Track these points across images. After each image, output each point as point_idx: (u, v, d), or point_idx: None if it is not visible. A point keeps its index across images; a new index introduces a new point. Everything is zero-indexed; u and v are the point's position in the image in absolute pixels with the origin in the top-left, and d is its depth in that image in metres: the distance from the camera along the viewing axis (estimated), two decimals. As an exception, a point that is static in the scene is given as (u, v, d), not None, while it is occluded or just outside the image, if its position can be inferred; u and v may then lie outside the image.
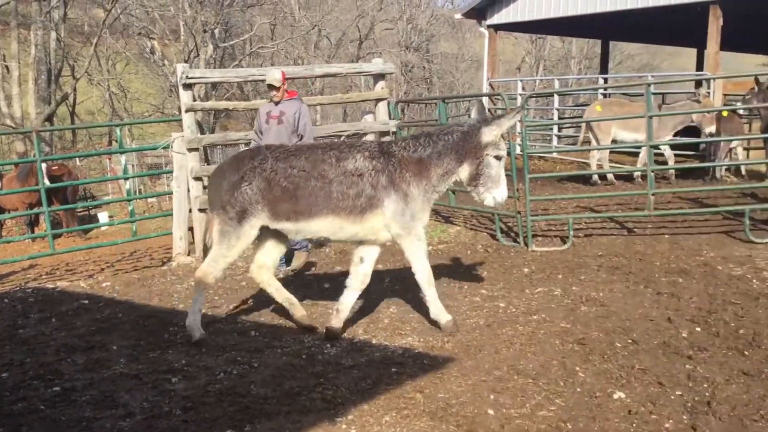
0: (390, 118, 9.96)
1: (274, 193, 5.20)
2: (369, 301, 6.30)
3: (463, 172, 5.30)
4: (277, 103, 7.44)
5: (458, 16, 20.66)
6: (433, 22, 37.44)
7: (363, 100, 10.54)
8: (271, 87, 7.42)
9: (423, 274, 5.41)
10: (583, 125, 12.68)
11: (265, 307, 6.29)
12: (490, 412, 4.00)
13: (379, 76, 9.88)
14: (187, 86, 8.56)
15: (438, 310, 5.42)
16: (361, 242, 5.42)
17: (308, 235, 5.43)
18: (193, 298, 5.58)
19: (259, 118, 7.59)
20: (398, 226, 5.23)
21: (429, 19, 37.14)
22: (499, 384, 4.37)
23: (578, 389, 4.26)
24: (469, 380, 4.44)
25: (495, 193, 5.30)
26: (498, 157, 5.26)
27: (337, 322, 5.40)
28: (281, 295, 5.76)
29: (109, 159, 20.50)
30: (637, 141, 11.05)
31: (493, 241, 8.50)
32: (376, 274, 7.18)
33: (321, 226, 5.25)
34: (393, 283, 6.91)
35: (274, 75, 7.43)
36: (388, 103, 10.05)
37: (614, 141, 12.07)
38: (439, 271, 7.21)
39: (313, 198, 5.16)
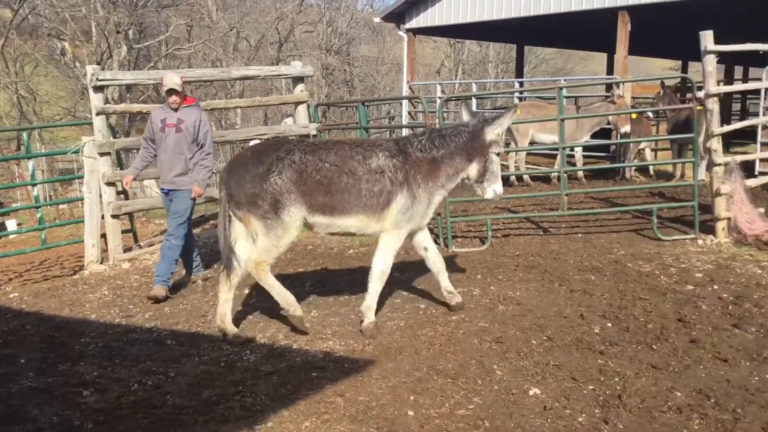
0: (310, 121, 9.91)
1: (309, 185, 5.23)
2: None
3: (472, 169, 5.60)
4: (175, 110, 6.92)
5: (377, 19, 20.76)
6: (353, 25, 37.48)
7: (283, 103, 10.43)
8: (171, 92, 6.84)
9: (382, 268, 5.51)
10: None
11: (182, 315, 6.15)
12: (410, 413, 4.03)
13: (299, 79, 9.82)
14: (98, 89, 8.28)
15: (369, 307, 5.48)
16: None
17: (336, 230, 5.49)
18: (269, 285, 5.45)
19: (151, 126, 6.98)
20: (393, 223, 5.37)
21: (349, 22, 37.15)
22: (419, 385, 4.40)
23: (495, 387, 4.34)
24: (390, 382, 4.46)
25: (495, 187, 5.65)
26: (498, 154, 5.60)
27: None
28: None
29: (17, 164, 19.63)
30: (555, 143, 11.35)
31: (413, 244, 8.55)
32: (297, 278, 7.15)
33: (351, 222, 5.39)
34: (314, 287, 6.87)
35: (173, 79, 6.88)
36: (308, 106, 10.00)
37: (532, 143, 12.39)
38: (360, 275, 7.22)
39: (346, 194, 5.27)
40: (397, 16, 18.67)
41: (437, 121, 9.45)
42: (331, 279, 7.12)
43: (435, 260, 5.91)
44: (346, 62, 36.78)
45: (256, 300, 6.46)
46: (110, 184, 8.29)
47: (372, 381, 4.49)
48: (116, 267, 8.16)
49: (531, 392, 4.24)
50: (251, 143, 7.97)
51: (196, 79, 10.40)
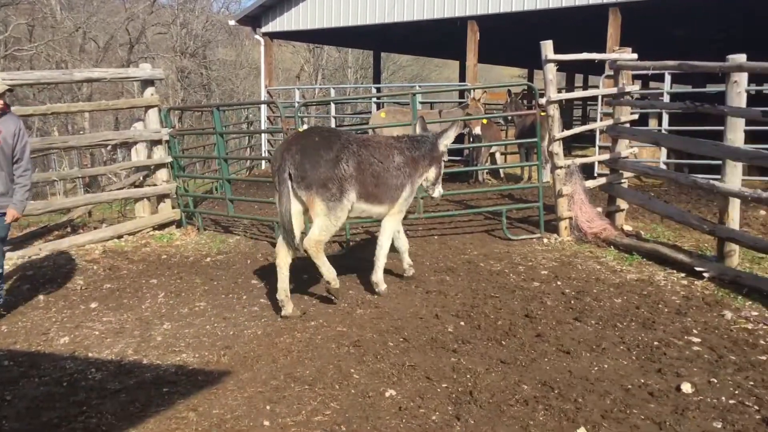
0: (162, 126, 9.55)
1: (364, 174, 5.89)
2: (140, 318, 5.98)
3: (432, 172, 6.58)
4: None
5: (232, 22, 20.39)
6: (209, 27, 36.60)
7: (131, 107, 10.01)
8: None
9: (386, 246, 6.45)
10: (370, 132, 13.09)
11: (21, 334, 5.72)
12: (266, 423, 3.96)
13: (148, 82, 9.44)
14: None
15: (379, 279, 6.45)
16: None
17: (366, 215, 6.39)
18: (320, 263, 5.91)
19: None
20: (398, 209, 6.37)
21: (205, 24, 36.25)
22: (275, 394, 4.33)
23: (353, 391, 4.35)
24: (246, 393, 4.36)
25: (440, 188, 6.74)
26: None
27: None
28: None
29: None
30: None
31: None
32: (150, 289, 6.86)
33: (380, 210, 6.24)
34: (168, 297, 6.61)
35: None
36: (159, 111, 9.63)
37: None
38: (217, 283, 7.05)
39: (383, 186, 6.06)
40: (252, 20, 18.44)
41: (295, 126, 9.40)
42: (187, 289, 6.89)
43: (402, 240, 6.85)
44: (202, 65, 35.86)
45: (102, 315, 6.13)
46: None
47: (227, 393, 4.38)
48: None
49: (387, 394, 4.29)
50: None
51: (35, 81, 9.73)
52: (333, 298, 6.14)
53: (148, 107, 9.44)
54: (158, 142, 9.49)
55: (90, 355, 5.20)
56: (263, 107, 18.28)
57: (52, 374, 4.84)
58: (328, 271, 5.93)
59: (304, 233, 6.04)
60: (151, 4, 34.30)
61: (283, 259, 5.94)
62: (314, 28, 17.82)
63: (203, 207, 11.36)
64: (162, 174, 9.58)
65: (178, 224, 9.77)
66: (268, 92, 18.56)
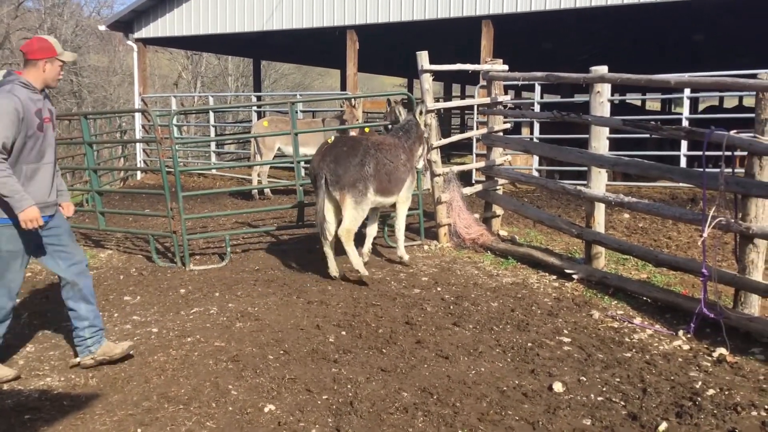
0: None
1: (380, 173, 6.95)
2: None
3: (420, 151, 7.85)
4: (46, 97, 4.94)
5: (103, 27, 19.52)
6: (79, 32, 34.92)
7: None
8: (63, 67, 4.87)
9: (402, 225, 7.64)
10: (253, 141, 12.87)
11: None
12: (137, 447, 3.77)
13: (8, 89, 8.84)
14: None
15: (404, 251, 7.71)
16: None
17: (380, 206, 7.41)
18: (350, 250, 6.91)
19: (26, 119, 4.52)
20: (406, 196, 7.51)
21: (74, 29, 34.55)
22: (147, 416, 4.14)
23: (230, 408, 4.23)
24: (115, 416, 4.14)
25: (422, 161, 8.12)
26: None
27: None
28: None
29: None
30: (306, 155, 11.39)
31: (149, 263, 8.15)
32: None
33: (391, 200, 7.31)
34: (31, 318, 6.20)
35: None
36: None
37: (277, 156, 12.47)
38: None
39: (393, 181, 7.13)
40: (124, 25, 17.77)
41: (170, 135, 9.09)
42: (53, 309, 6.48)
43: (374, 228, 7.79)
44: (72, 72, 34.12)
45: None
46: None
47: (95, 417, 4.14)
48: None
49: (266, 409, 4.19)
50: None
51: None
52: (365, 282, 6.89)
53: (8, 116, 8.83)
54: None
55: (-60, 384, 4.78)
56: (137, 116, 17.62)
57: None
58: (356, 260, 6.95)
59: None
60: (15, 8, 32.36)
61: (328, 249, 7.12)
62: (191, 35, 17.38)
63: (72, 221, 10.77)
64: (25, 186, 8.99)
65: (44, 239, 9.19)
66: (142, 100, 17.92)
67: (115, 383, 4.64)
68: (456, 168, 9.06)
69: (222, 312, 6.17)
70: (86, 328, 4.90)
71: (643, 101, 31.40)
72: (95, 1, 46.34)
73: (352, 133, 11.59)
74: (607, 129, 7.01)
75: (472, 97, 16.35)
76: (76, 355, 5.06)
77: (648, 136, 11.46)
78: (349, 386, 4.49)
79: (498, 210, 8.88)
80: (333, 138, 7.40)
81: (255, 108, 17.30)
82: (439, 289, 6.74)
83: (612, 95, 8.07)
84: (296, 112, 11.72)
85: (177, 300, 6.65)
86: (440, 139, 8.67)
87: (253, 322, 5.85)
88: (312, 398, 4.34)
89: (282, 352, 5.15)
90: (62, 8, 34.18)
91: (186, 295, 6.82)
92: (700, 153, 5.43)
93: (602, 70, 6.75)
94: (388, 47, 19.49)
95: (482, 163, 9.26)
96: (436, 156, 8.50)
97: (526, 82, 8.80)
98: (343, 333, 5.52)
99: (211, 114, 18.17)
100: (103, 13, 39.00)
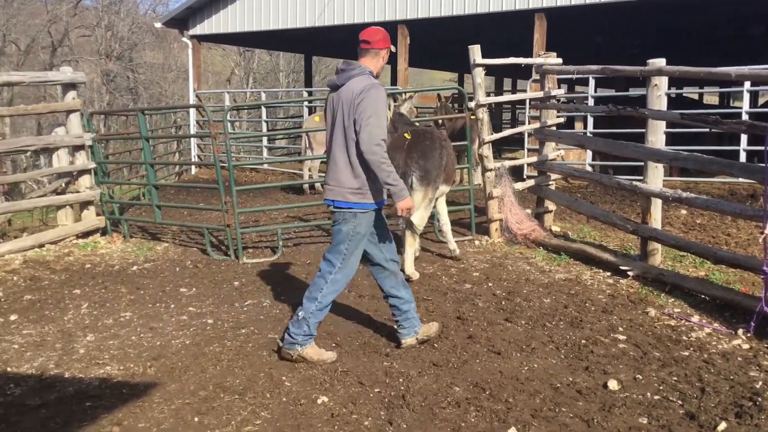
0: (85, 131, 9.24)
1: (448, 167, 7.18)
2: (62, 330, 5.75)
3: None
4: None
5: (159, 25, 19.95)
6: (135, 30, 35.71)
7: (52, 112, 9.64)
8: None
9: (448, 219, 7.77)
10: (304, 135, 12.97)
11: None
12: (194, 435, 3.86)
13: (69, 86, 9.12)
14: None
15: (455, 244, 7.75)
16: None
17: (440, 194, 7.36)
18: (411, 249, 6.97)
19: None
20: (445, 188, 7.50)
21: (131, 26, 35.35)
22: (204, 405, 4.23)
23: (284, 399, 4.29)
24: (173, 405, 4.24)
25: None
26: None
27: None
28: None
29: None
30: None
31: (203, 256, 8.30)
32: (72, 300, 6.62)
33: (445, 189, 7.41)
34: (91, 308, 6.39)
35: None
36: (82, 115, 9.31)
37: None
38: (143, 292, 6.85)
39: (450, 171, 7.31)
40: (179, 22, 18.10)
41: (224, 130, 9.24)
42: (112, 299, 6.67)
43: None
44: (129, 68, 34.96)
45: (22, 327, 5.88)
46: None
47: (153, 405, 4.24)
48: None
49: (319, 401, 4.24)
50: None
51: (-53, 84, 9.29)
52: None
53: (69, 112, 9.12)
54: (81, 147, 9.18)
55: (9, 369, 4.96)
56: (192, 111, 17.94)
57: (-34, 392, 4.60)
58: (411, 259, 7.02)
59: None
60: (74, 6, 33.29)
61: (411, 243, 7.04)
62: (244, 31, 17.61)
63: (130, 214, 11.06)
64: (85, 180, 9.27)
65: (103, 232, 9.47)
66: (196, 96, 18.23)
67: (172, 372, 4.74)
68: (507, 163, 8.98)
69: (275, 304, 6.26)
70: (412, 310, 5.04)
71: (701, 95, 30.60)
72: (151, -1, 47.23)
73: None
74: (664, 123, 6.86)
75: (524, 91, 16.18)
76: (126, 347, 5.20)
77: (706, 130, 11.17)
78: (401, 380, 4.51)
79: (550, 205, 8.78)
80: (410, 133, 7.15)
81: (306, 103, 17.44)
82: (490, 284, 6.70)
83: (668, 89, 7.89)
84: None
85: (231, 292, 6.76)
86: (492, 134, 8.60)
87: (306, 314, 5.90)
88: (364, 391, 4.37)
89: (334, 344, 5.20)
90: (119, 6, 35.03)
91: (240, 287, 6.92)
92: (761, 148, 5.26)
93: (660, 62, 6.60)
94: (439, 42, 19.41)
95: (534, 158, 9.17)
96: (487, 151, 8.44)
97: (580, 76, 8.66)
98: (395, 326, 5.52)
99: (263, 109, 18.37)
100: (158, 10, 39.82)
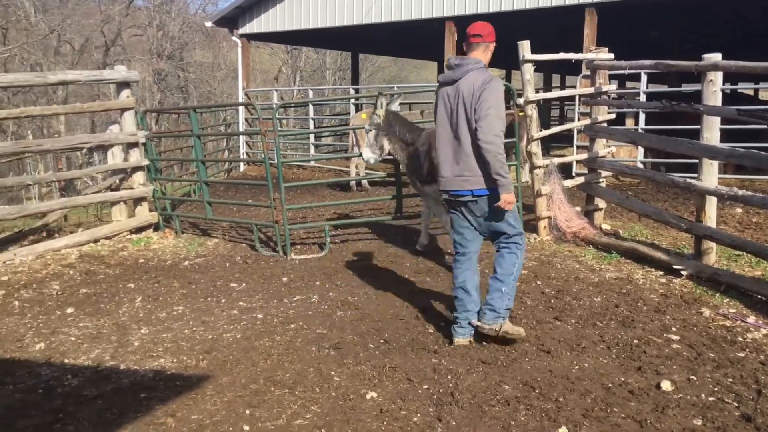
0: (138, 129, 9.45)
1: None
2: (117, 323, 5.90)
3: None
4: None
5: (209, 24, 20.24)
6: (185, 29, 36.33)
7: (106, 110, 9.89)
8: None
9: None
10: (351, 133, 13.04)
11: (-5, 341, 5.62)
12: (246, 427, 3.91)
13: (124, 85, 9.34)
14: None
15: None
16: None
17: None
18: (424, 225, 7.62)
19: None
20: None
21: (181, 26, 35.98)
22: (255, 398, 4.29)
23: (333, 393, 4.32)
24: (225, 397, 4.31)
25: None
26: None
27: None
28: None
29: None
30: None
31: (252, 252, 8.41)
32: (127, 293, 6.78)
33: None
34: (145, 302, 6.53)
35: None
36: (135, 113, 9.53)
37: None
38: (195, 287, 6.98)
39: None
40: (229, 21, 18.34)
41: (273, 128, 9.34)
42: (165, 293, 6.81)
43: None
44: (179, 67, 35.60)
45: (78, 320, 6.05)
46: None
47: (206, 398, 4.32)
48: None
49: (368, 396, 4.26)
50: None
51: (8, 84, 9.60)
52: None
53: (123, 110, 9.34)
54: (134, 144, 9.39)
55: (66, 361, 5.12)
56: (241, 109, 18.18)
57: (27, 381, 4.75)
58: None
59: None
60: (126, 6, 34.01)
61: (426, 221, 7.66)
62: (291, 30, 17.75)
63: (181, 210, 11.26)
64: (138, 177, 9.48)
65: (156, 227, 9.67)
66: (245, 94, 18.46)
67: (224, 366, 4.83)
68: (556, 160, 8.87)
69: (323, 300, 6.31)
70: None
71: (756, 90, 29.76)
72: (200, -1, 47.99)
73: None
74: (719, 119, 6.69)
75: (573, 87, 15.95)
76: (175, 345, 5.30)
77: (764, 127, 10.86)
78: (449, 377, 4.50)
79: (600, 203, 8.64)
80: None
81: (353, 101, 17.51)
82: (539, 282, 6.64)
83: (723, 84, 7.68)
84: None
85: (280, 288, 6.84)
86: (540, 131, 8.50)
87: (354, 311, 5.95)
88: (413, 387, 4.38)
89: (382, 341, 5.22)
90: (170, 6, 35.66)
91: (288, 283, 7.00)
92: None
93: (716, 57, 6.44)
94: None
95: (584, 155, 9.03)
96: (536, 148, 8.35)
97: (633, 71, 8.48)
98: (443, 324, 5.52)
99: (311, 107, 18.51)
100: (208, 9, 40.45)
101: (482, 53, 4.93)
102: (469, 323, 5.03)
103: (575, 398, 4.18)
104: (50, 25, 30.20)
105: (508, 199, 4.75)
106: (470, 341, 5.06)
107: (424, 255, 7.78)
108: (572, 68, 18.63)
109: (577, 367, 4.64)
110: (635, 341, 5.06)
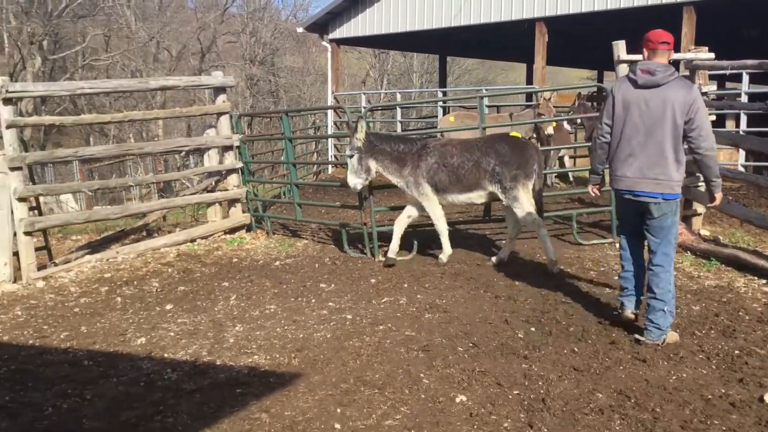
0: (233, 132, 9.76)
1: None
2: (213, 320, 6.11)
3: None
4: None
5: (300, 29, 20.69)
6: (277, 35, 37.29)
7: (204, 114, 10.24)
8: None
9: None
10: (439, 136, 13.03)
11: (100, 335, 5.92)
12: (337, 426, 3.98)
13: (220, 90, 9.66)
14: (8, 101, 7.91)
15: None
16: None
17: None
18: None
19: None
20: None
21: (273, 32, 36.93)
22: (345, 397, 4.35)
23: (422, 395, 4.33)
24: (316, 395, 4.40)
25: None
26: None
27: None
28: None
29: None
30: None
31: (341, 253, 8.53)
32: (222, 292, 7.00)
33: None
34: (239, 300, 6.74)
35: None
36: (231, 117, 9.84)
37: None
38: (286, 286, 7.14)
39: None
40: (320, 27, 18.68)
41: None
42: (258, 292, 7.00)
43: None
44: (270, 72, 36.53)
45: (176, 316, 6.29)
46: (22, 199, 7.94)
47: (298, 395, 4.42)
48: (30, 286, 7.80)
49: (457, 399, 4.25)
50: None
51: (112, 90, 10.11)
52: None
53: (219, 114, 9.66)
54: (229, 147, 9.69)
55: (166, 355, 5.34)
56: (330, 112, 18.47)
57: (129, 374, 4.98)
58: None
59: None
60: (221, 14, 35.17)
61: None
62: (380, 34, 17.92)
63: (272, 211, 11.54)
64: (233, 179, 9.79)
65: (248, 228, 9.95)
66: (334, 97, 18.75)
67: (315, 364, 4.92)
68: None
69: (411, 302, 6.33)
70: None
71: None
72: (292, 5, 49.07)
73: (549, 130, 11.41)
74: (830, 120, 6.33)
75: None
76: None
77: None
78: (540, 383, 4.43)
79: (699, 208, 8.32)
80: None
81: (441, 103, 17.50)
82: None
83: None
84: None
85: (368, 289, 6.91)
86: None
87: (442, 313, 5.94)
88: (503, 392, 4.34)
89: (471, 344, 5.19)
90: (263, 12, 36.65)
91: (376, 284, 7.06)
92: None
93: (827, 55, 6.10)
94: (577, 39, 18.87)
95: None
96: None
97: (734, 71, 8.14)
98: (533, 329, 5.45)
99: (398, 110, 18.62)
100: (298, 16, 41.32)
101: (666, 59, 5.05)
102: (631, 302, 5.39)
103: (673, 409, 4.04)
104: (150, 32, 31.61)
105: (720, 197, 5.15)
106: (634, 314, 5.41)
107: (513, 260, 7.69)
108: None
109: (674, 377, 4.49)
110: (736, 352, 4.85)
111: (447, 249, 7.77)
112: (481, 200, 7.60)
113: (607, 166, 5.41)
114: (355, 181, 7.62)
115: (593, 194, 5.79)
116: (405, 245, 8.13)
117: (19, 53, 26.03)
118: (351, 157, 7.58)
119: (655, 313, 5.02)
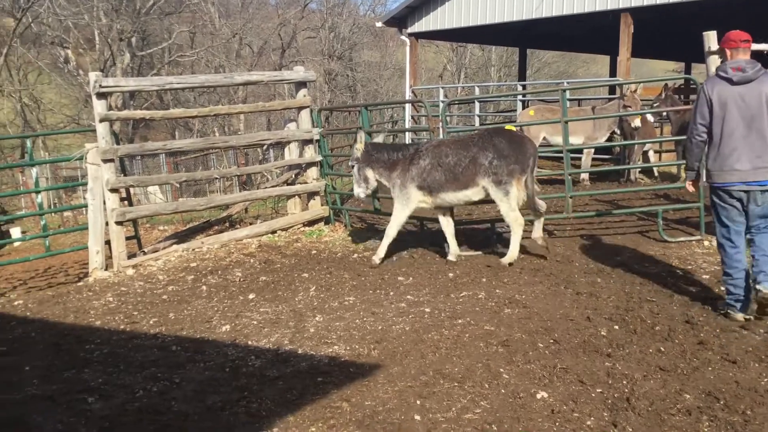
0: (313, 126, 9.91)
1: None
2: (294, 310, 6.23)
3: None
4: None
5: (379, 24, 20.77)
6: (355, 30, 37.54)
7: (285, 109, 10.45)
8: None
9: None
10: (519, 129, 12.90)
11: (187, 321, 6.13)
12: (417, 417, 3.99)
13: (301, 84, 9.82)
14: (101, 95, 8.28)
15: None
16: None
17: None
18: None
19: None
20: None
21: (351, 27, 37.22)
22: (425, 389, 4.37)
23: (503, 390, 4.30)
24: (396, 386, 4.43)
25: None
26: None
27: None
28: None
29: (21, 172, 19.70)
30: (571, 144, 11.15)
31: (419, 247, 8.54)
32: (301, 283, 7.13)
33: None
34: (319, 291, 6.84)
35: None
36: (311, 111, 9.99)
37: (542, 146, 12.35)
38: (365, 279, 7.20)
39: None
40: (398, 21, 18.69)
41: (440, 124, 9.44)
42: (336, 284, 7.09)
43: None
44: (348, 67, 36.86)
45: (259, 305, 6.45)
46: (114, 190, 8.29)
47: (378, 385, 4.46)
48: (120, 273, 8.15)
49: (539, 396, 4.20)
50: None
51: (199, 84, 10.41)
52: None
53: (300, 108, 9.82)
54: (309, 141, 9.84)
55: (249, 343, 5.48)
56: (407, 106, 18.49)
57: (215, 360, 5.14)
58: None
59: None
60: (301, 10, 35.68)
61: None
62: (459, 27, 17.79)
63: (349, 204, 11.66)
64: (312, 172, 9.94)
65: (327, 221, 10.09)
66: (412, 92, 18.76)
67: (394, 356, 4.95)
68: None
69: (490, 297, 6.28)
70: None
71: None
72: (370, 0, 49.34)
73: (637, 122, 11.12)
74: None
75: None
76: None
77: None
78: (624, 382, 4.33)
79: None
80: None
81: (520, 97, 17.27)
82: (722, 288, 6.20)
83: None
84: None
85: (446, 283, 6.90)
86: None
87: (521, 309, 5.88)
88: (585, 390, 4.26)
89: (552, 341, 5.12)
90: (341, 8, 36.98)
91: (454, 279, 7.04)
92: None
93: None
94: (664, 30, 18.24)
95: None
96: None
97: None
98: (616, 327, 5.33)
99: (476, 104, 18.47)
100: (376, 11, 41.50)
101: (748, 56, 5.32)
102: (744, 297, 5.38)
103: (764, 412, 3.88)
104: (233, 29, 32.36)
105: None
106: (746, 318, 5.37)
107: (593, 256, 7.53)
108: (762, 59, 17.21)
109: (766, 380, 4.31)
110: (836, 356, 4.61)
111: (381, 253, 7.77)
112: (477, 197, 7.46)
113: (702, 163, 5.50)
114: (358, 191, 7.92)
115: (691, 190, 5.93)
116: (479, 242, 8.06)
117: (109, 50, 27.09)
118: (353, 167, 7.80)
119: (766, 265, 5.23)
